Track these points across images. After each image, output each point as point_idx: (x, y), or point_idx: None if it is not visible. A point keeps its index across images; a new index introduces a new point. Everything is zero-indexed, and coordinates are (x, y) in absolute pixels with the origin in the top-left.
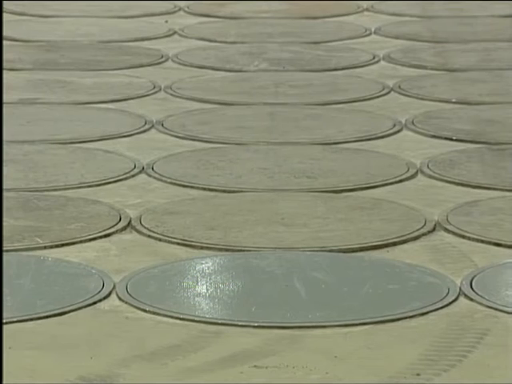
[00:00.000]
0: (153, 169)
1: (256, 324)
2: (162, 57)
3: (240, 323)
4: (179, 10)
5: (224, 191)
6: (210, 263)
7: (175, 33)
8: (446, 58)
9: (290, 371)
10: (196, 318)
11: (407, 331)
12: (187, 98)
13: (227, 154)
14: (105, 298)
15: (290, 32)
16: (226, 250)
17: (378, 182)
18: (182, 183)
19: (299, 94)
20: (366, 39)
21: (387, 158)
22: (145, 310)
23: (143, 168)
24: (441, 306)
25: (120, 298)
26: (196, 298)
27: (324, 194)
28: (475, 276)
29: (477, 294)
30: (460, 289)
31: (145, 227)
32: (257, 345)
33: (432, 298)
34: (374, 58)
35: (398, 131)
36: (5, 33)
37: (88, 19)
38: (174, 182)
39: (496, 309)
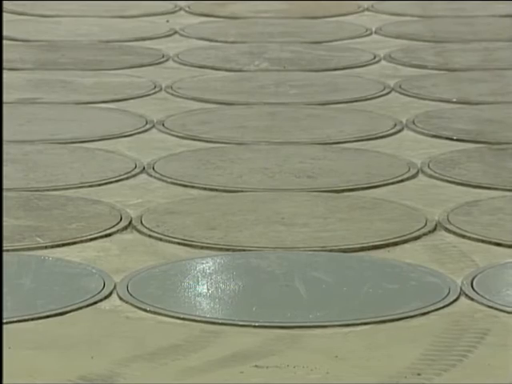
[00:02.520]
0: (153, 169)
1: (256, 324)
2: (163, 56)
3: (240, 323)
4: (180, 9)
5: (224, 191)
6: (211, 263)
7: (176, 32)
8: (447, 57)
9: (291, 371)
10: (196, 318)
11: (408, 331)
12: (188, 98)
13: (228, 153)
14: (105, 297)
15: (290, 32)
16: (227, 250)
17: (379, 182)
18: (183, 183)
19: (300, 93)
20: (367, 39)
21: (388, 158)
22: (145, 310)
23: (144, 168)
24: (441, 305)
25: (121, 298)
26: (196, 298)
27: (324, 194)
28: (476, 276)
29: (477, 293)
30: (461, 288)
31: (145, 227)
32: (257, 345)
33: (433, 297)
34: (374, 57)
35: (399, 131)
36: (5, 33)
37: (88, 19)
38: (175, 181)
39: (496, 308)
